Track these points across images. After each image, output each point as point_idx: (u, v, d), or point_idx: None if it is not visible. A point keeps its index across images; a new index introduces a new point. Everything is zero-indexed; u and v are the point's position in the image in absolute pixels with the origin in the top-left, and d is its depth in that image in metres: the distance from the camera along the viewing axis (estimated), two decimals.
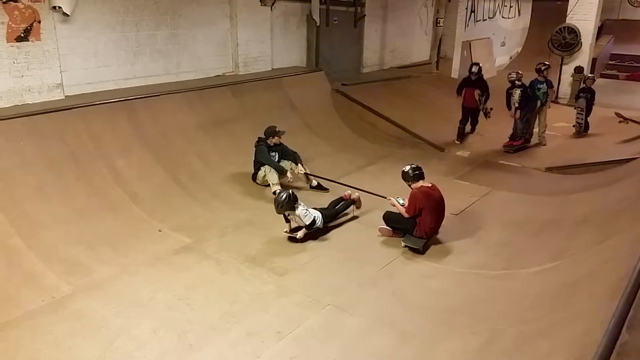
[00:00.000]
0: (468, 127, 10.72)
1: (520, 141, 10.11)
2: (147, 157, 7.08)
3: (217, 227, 6.12)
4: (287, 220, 6.05)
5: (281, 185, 7.04)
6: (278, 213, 5.90)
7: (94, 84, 7.76)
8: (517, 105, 9.88)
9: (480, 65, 10.72)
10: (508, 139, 10.16)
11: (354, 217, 6.57)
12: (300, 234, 5.88)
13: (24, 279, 4.81)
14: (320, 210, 6.21)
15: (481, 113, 10.46)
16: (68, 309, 4.49)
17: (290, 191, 5.95)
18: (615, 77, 17.60)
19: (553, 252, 5.38)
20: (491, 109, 10.26)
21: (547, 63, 10.49)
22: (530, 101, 10.03)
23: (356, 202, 6.61)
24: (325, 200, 7.07)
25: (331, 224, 6.31)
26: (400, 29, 14.60)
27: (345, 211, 6.56)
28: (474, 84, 10.30)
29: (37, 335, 4.17)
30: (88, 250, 5.38)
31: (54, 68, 7.11)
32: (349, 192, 6.68)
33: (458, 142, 10.25)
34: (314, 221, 5.95)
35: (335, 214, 6.40)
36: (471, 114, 10.50)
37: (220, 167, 7.63)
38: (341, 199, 6.58)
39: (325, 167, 7.88)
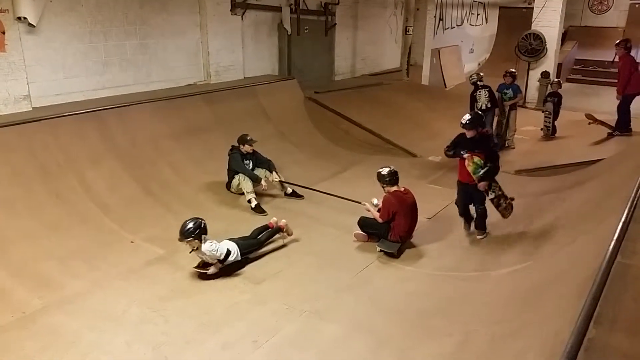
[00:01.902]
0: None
1: None
2: (118, 168, 6.98)
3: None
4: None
5: (256, 193, 7.02)
6: (179, 240, 5.14)
7: (62, 95, 7.63)
8: (488, 105, 10.02)
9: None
10: None
11: (283, 246, 5.98)
12: (212, 270, 5.23)
13: None
14: (238, 240, 5.56)
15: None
16: (39, 324, 4.39)
17: (202, 221, 5.20)
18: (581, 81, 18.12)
19: (524, 253, 5.49)
20: (512, 199, 6.16)
21: (512, 71, 10.70)
22: (497, 101, 10.19)
23: (284, 229, 6.00)
24: (301, 207, 7.10)
25: (253, 255, 5.68)
26: (371, 37, 14.77)
27: (273, 239, 5.94)
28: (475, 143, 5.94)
29: (8, 351, 4.07)
30: (59, 265, 5.27)
31: (20, 79, 6.97)
32: (275, 219, 6.05)
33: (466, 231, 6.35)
34: (228, 254, 5.31)
35: (255, 245, 5.73)
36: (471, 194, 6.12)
37: (194, 176, 7.57)
38: (266, 227, 5.95)
39: (300, 174, 7.90)
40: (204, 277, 5.25)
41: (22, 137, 6.40)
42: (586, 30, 20.33)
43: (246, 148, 7.29)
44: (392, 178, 5.87)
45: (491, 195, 6.02)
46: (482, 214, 6.08)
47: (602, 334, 2.67)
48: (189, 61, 9.57)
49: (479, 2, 20.60)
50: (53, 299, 4.74)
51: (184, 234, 5.08)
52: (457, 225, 6.54)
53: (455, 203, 6.29)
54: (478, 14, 20.99)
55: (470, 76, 10.41)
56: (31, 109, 7.12)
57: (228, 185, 7.34)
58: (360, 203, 6.31)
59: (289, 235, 6.05)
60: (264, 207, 6.94)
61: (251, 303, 4.84)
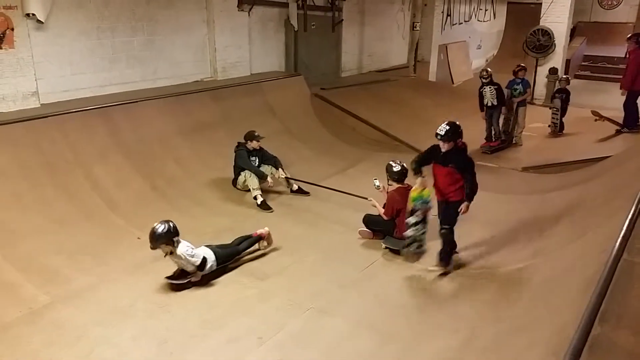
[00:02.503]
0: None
1: (497, 142, 10.27)
2: (125, 164, 7.02)
3: (197, 233, 6.06)
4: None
5: (262, 190, 7.04)
6: (152, 248, 4.81)
7: (70, 91, 7.68)
8: (494, 103, 9.99)
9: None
10: (484, 140, 10.30)
11: (262, 255, 5.71)
12: (194, 278, 4.97)
13: (0, 290, 4.73)
14: (215, 248, 5.24)
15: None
16: (46, 319, 4.42)
17: (170, 222, 4.84)
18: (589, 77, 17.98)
19: (530, 249, 5.47)
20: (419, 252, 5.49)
21: (522, 65, 10.66)
22: (505, 98, 10.15)
23: (265, 238, 5.73)
24: (306, 204, 7.11)
25: (232, 264, 5.39)
26: (378, 33, 14.73)
27: (251, 248, 5.66)
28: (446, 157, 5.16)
29: (15, 346, 4.10)
30: (66, 260, 5.31)
31: (28, 76, 7.02)
32: (262, 231, 5.75)
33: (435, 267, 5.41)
34: (204, 262, 4.98)
35: (234, 253, 5.42)
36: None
37: (200, 172, 7.60)
38: (250, 236, 5.67)
39: (306, 171, 7.90)
40: (178, 288, 4.91)
41: (30, 133, 6.46)
42: (595, 25, 20.17)
43: (253, 144, 7.30)
44: (400, 177, 5.86)
45: (410, 232, 5.25)
46: (446, 239, 5.21)
47: (607, 331, 2.66)
48: (196, 58, 9.59)
49: None
50: (60, 294, 4.77)
51: (156, 239, 4.73)
52: (463, 222, 6.47)
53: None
54: (486, 10, 20.87)
55: (481, 72, 10.39)
56: (39, 105, 7.17)
57: (234, 182, 7.35)
58: (366, 199, 6.31)
59: (268, 244, 5.76)
60: (269, 203, 6.96)
61: (256, 299, 4.85)
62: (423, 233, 5.30)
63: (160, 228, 4.78)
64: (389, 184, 5.95)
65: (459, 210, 5.10)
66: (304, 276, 5.28)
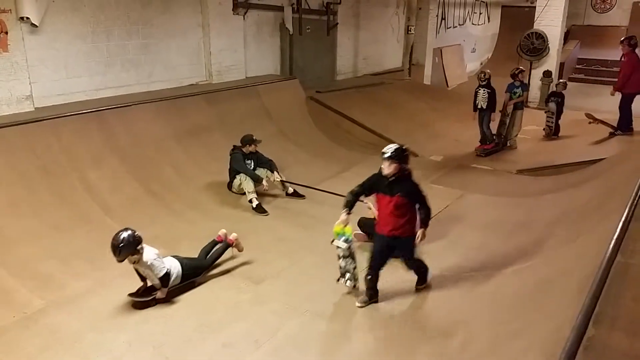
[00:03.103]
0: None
1: (492, 144, 10.30)
2: (120, 168, 7.00)
3: (193, 237, 6.06)
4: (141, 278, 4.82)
5: (257, 193, 7.03)
6: (119, 261, 4.52)
7: (64, 95, 7.65)
8: (484, 106, 10.05)
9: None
10: (479, 143, 10.33)
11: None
12: (159, 294, 4.71)
13: None
14: (183, 259, 4.99)
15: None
16: (41, 324, 4.40)
17: (131, 231, 4.52)
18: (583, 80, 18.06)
19: (525, 252, 5.48)
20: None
21: (520, 67, 10.73)
22: (497, 103, 10.19)
23: (235, 245, 5.51)
24: (302, 207, 7.10)
25: (200, 279, 5.12)
26: (373, 36, 14.77)
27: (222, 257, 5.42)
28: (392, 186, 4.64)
29: (9, 352, 4.08)
30: (61, 265, 5.29)
31: (22, 80, 7.00)
32: (224, 231, 5.54)
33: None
34: (167, 276, 4.70)
35: (202, 268, 5.16)
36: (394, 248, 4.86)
37: (195, 176, 7.59)
38: (214, 243, 5.42)
39: (301, 174, 7.90)
40: (142, 305, 4.67)
41: (24, 137, 6.43)
42: (589, 29, 20.27)
43: (250, 148, 7.30)
44: None
45: (341, 262, 4.86)
46: (414, 266, 4.87)
47: (601, 333, 2.67)
48: (191, 61, 9.59)
49: (481, 1, 20.55)
50: (54, 299, 4.76)
51: (120, 250, 4.44)
52: (458, 225, 6.54)
53: (370, 266, 4.74)
54: (480, 13, 20.92)
55: (479, 74, 10.42)
56: (33, 109, 7.15)
57: (229, 185, 7.35)
58: (362, 201, 6.30)
59: (239, 251, 5.60)
60: (265, 207, 6.96)
61: (252, 303, 4.84)
62: (354, 268, 4.88)
63: (123, 236, 4.44)
64: None
65: (415, 241, 4.59)
66: (300, 279, 5.28)
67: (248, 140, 7.28)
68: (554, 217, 6.23)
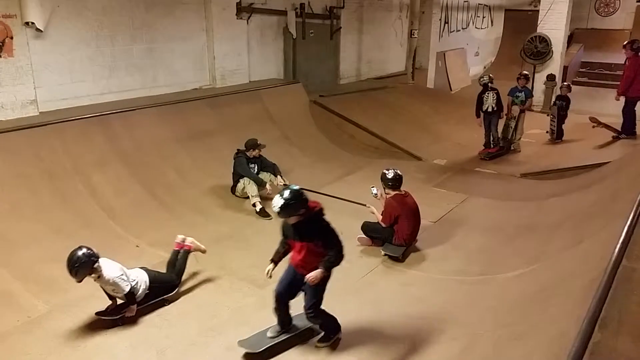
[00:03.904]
0: None
1: (496, 148, 10.29)
2: (124, 172, 7.01)
3: (196, 240, 6.06)
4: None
5: (260, 197, 7.03)
6: (78, 281, 4.29)
7: (69, 99, 7.68)
8: (494, 108, 10.05)
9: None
10: (483, 147, 10.32)
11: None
12: (128, 313, 4.49)
13: None
14: (151, 271, 4.79)
15: None
16: (44, 328, 4.40)
17: (86, 249, 4.27)
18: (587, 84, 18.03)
19: (529, 256, 5.47)
20: None
21: (525, 72, 10.74)
22: (505, 105, 10.21)
23: (193, 249, 5.22)
24: None
25: (171, 296, 4.87)
26: (376, 40, 14.79)
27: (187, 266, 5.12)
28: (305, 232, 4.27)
29: (13, 356, 4.09)
30: (64, 268, 5.25)
31: (27, 84, 7.03)
32: (182, 237, 5.23)
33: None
34: (132, 293, 4.46)
35: (169, 282, 4.89)
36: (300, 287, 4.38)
37: (199, 180, 7.59)
38: (176, 252, 5.12)
39: (305, 178, 7.88)
40: (112, 324, 4.47)
41: (28, 141, 6.45)
42: (592, 32, 20.25)
43: (254, 152, 7.31)
44: (395, 183, 5.86)
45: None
46: (317, 322, 4.31)
47: (607, 338, 2.65)
48: (195, 65, 9.62)
49: (485, 5, 20.57)
50: (58, 303, 4.76)
51: (77, 269, 4.21)
52: (462, 229, 6.52)
53: (276, 295, 4.28)
54: (483, 17, 20.95)
55: (481, 77, 10.42)
56: (38, 113, 7.17)
57: (233, 189, 7.35)
58: (365, 205, 6.32)
59: (202, 252, 5.34)
60: (268, 211, 6.94)
61: (256, 307, 4.84)
62: None
63: (77, 256, 4.21)
64: (386, 192, 5.96)
65: (310, 280, 4.00)
66: None
67: (252, 144, 7.29)
68: (558, 220, 6.21)
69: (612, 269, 3.33)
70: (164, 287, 4.83)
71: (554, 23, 14.05)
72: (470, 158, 10.12)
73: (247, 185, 7.07)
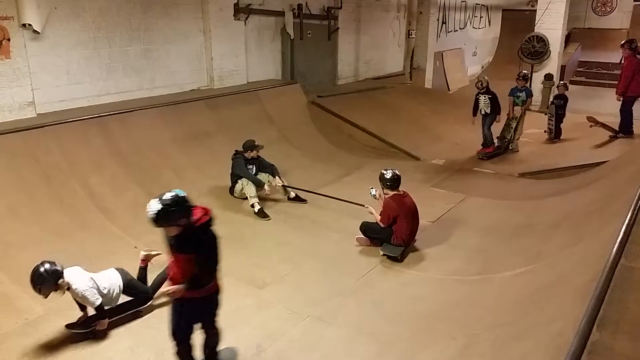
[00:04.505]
0: None
1: (492, 148, 10.29)
2: (121, 174, 7.01)
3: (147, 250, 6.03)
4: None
5: (259, 197, 7.03)
6: (44, 297, 4.12)
7: (66, 101, 7.67)
8: (487, 111, 10.13)
9: None
10: (481, 147, 10.33)
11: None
12: (99, 326, 4.32)
13: None
14: (126, 276, 4.61)
15: None
16: (42, 331, 4.39)
17: (49, 264, 4.11)
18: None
19: (527, 256, 5.47)
20: None
21: (525, 72, 10.76)
22: (500, 106, 10.21)
23: (150, 260, 4.91)
24: (304, 211, 7.09)
25: (146, 309, 4.69)
26: (374, 41, 14.79)
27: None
28: None
29: (11, 357, 4.07)
30: None
31: (25, 86, 7.02)
32: (143, 253, 4.93)
33: None
34: (102, 307, 4.27)
35: (144, 290, 4.72)
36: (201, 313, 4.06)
37: (197, 181, 7.59)
38: (143, 270, 4.88)
39: (303, 179, 7.90)
40: (84, 337, 4.28)
41: (26, 143, 6.44)
42: (590, 32, 20.30)
43: (252, 153, 7.31)
44: (393, 183, 5.87)
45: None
46: (215, 345, 3.99)
47: (605, 338, 2.66)
48: (193, 66, 9.61)
49: (482, 5, 20.59)
50: (55, 305, 4.73)
51: (40, 286, 4.04)
52: (460, 229, 6.53)
53: (174, 331, 3.75)
54: (481, 17, 20.97)
55: (477, 81, 10.44)
56: (35, 115, 7.17)
57: (231, 190, 7.34)
58: (363, 206, 6.32)
59: (154, 256, 4.95)
60: (267, 211, 6.95)
61: (255, 307, 4.83)
62: None
63: (39, 273, 4.05)
64: (384, 192, 5.96)
65: (169, 292, 3.59)
66: (302, 284, 5.27)
67: (250, 146, 7.29)
68: (556, 220, 6.22)
69: (610, 268, 3.33)
70: (138, 297, 4.64)
71: (551, 23, 14.07)
72: (468, 158, 10.13)
73: (246, 186, 7.07)
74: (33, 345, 4.21)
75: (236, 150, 7.38)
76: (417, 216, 5.95)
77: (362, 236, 6.06)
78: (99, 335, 4.34)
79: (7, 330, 4.37)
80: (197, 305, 3.64)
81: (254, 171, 7.34)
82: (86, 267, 4.64)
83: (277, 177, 7.37)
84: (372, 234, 6.00)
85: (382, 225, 5.86)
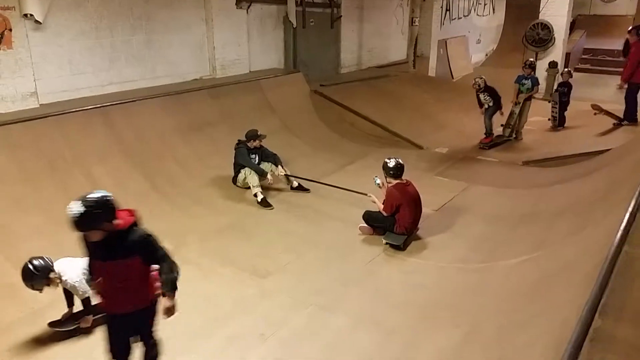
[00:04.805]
0: None
1: (489, 138, 10.18)
2: (125, 164, 7.02)
3: (198, 231, 6.09)
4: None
5: (262, 187, 7.03)
6: (40, 292, 4.10)
7: (69, 91, 7.67)
8: (490, 105, 10.12)
9: None
10: (484, 135, 10.29)
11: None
12: (83, 323, 4.22)
13: (1, 291, 4.74)
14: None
15: None
16: (48, 319, 4.41)
17: (37, 260, 4.04)
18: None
19: (531, 244, 5.46)
20: None
21: (531, 60, 10.70)
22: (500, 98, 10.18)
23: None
24: (307, 200, 7.10)
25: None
26: (377, 29, 14.70)
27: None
28: None
29: (17, 347, 4.11)
30: None
31: (27, 76, 7.02)
32: None
33: None
34: (89, 300, 4.17)
35: None
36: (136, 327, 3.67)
37: (200, 171, 7.60)
38: None
39: (306, 168, 7.89)
40: (68, 335, 4.22)
41: (29, 133, 6.46)
42: (595, 18, 20.10)
43: (255, 143, 7.30)
44: (397, 172, 5.86)
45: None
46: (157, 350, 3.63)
47: (608, 325, 2.65)
48: (195, 56, 9.58)
49: None
50: (61, 294, 4.76)
51: (32, 283, 4.02)
52: (464, 217, 6.52)
53: (109, 348, 3.43)
54: (485, 4, 20.79)
55: (473, 82, 10.31)
56: (38, 105, 7.17)
57: (234, 180, 7.35)
58: (366, 195, 6.32)
59: None
60: (270, 200, 6.95)
61: (258, 297, 4.85)
62: None
63: (29, 269, 4.00)
64: (387, 181, 5.95)
65: (157, 314, 3.41)
66: (305, 273, 5.28)
67: (252, 135, 7.28)
68: (560, 208, 6.20)
69: (613, 255, 3.32)
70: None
71: (556, 10, 13.94)
72: (471, 146, 10.10)
73: (249, 176, 7.07)
74: (39, 334, 4.24)
75: (239, 140, 7.37)
76: (420, 205, 5.94)
77: (365, 225, 6.06)
78: (85, 332, 4.24)
79: (14, 320, 4.41)
80: (130, 319, 3.33)
81: (257, 161, 7.33)
82: None
83: (279, 167, 7.37)
84: (375, 223, 6.00)
85: (385, 214, 5.86)
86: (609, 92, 13.80)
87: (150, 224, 5.05)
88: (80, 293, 4.18)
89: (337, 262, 5.49)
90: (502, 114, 10.30)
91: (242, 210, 6.77)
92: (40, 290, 4.12)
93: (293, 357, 4.05)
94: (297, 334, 4.31)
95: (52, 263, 4.13)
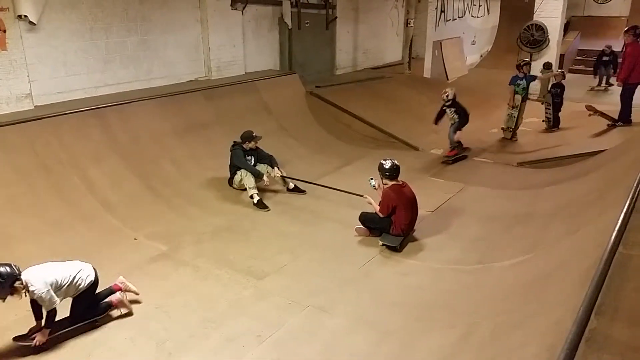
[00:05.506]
0: None
1: (454, 151, 9.48)
2: (120, 165, 7.00)
3: (194, 233, 6.09)
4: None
5: (258, 189, 7.03)
6: (2, 299, 3.89)
7: (63, 93, 7.64)
8: (456, 120, 9.44)
9: None
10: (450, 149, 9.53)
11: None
12: (40, 338, 4.03)
13: None
14: (96, 276, 4.40)
15: None
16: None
17: (3, 267, 3.83)
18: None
19: (526, 245, 5.48)
20: None
21: (526, 60, 10.71)
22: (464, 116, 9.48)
23: (118, 306, 4.54)
24: (303, 202, 7.10)
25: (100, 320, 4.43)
26: (372, 30, 14.72)
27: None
28: None
29: (13, 350, 4.08)
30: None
31: (21, 78, 6.99)
32: (126, 283, 4.70)
33: None
34: (54, 313, 4.05)
35: (96, 301, 4.44)
36: None
37: (195, 172, 7.59)
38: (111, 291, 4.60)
39: (302, 169, 7.90)
40: (33, 350, 4.05)
41: (24, 135, 6.43)
42: (589, 20, 20.22)
43: (251, 144, 7.29)
44: (392, 173, 5.87)
45: None
46: None
47: (603, 325, 2.67)
48: (190, 57, 9.56)
49: None
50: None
51: (0, 285, 3.79)
52: (459, 218, 6.54)
53: None
54: (480, 5, 20.89)
55: (443, 95, 9.71)
56: (33, 107, 7.14)
57: (230, 181, 7.34)
58: (362, 196, 6.32)
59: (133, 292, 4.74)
60: (266, 202, 6.95)
61: (254, 298, 4.85)
62: None
63: (3, 270, 3.82)
64: (383, 183, 5.96)
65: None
66: (302, 274, 5.28)
67: (248, 136, 7.27)
68: (555, 209, 6.23)
69: (608, 256, 3.34)
70: (86, 309, 4.36)
71: (550, 11, 14.03)
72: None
73: (245, 177, 7.06)
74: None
75: (234, 141, 7.37)
76: (416, 206, 5.95)
77: (361, 226, 6.07)
78: (46, 347, 4.09)
79: (7, 323, 4.37)
80: None
81: (253, 162, 7.33)
82: (85, 259, 4.65)
83: (275, 168, 7.36)
84: (371, 224, 6.01)
85: (381, 215, 5.87)
86: (603, 93, 13.87)
87: (145, 226, 5.09)
88: (47, 304, 3.98)
89: (333, 264, 5.49)
90: (460, 129, 9.41)
91: (238, 212, 6.76)
92: (3, 299, 3.88)
93: (289, 358, 4.04)
94: (293, 335, 4.31)
95: (19, 272, 3.90)
